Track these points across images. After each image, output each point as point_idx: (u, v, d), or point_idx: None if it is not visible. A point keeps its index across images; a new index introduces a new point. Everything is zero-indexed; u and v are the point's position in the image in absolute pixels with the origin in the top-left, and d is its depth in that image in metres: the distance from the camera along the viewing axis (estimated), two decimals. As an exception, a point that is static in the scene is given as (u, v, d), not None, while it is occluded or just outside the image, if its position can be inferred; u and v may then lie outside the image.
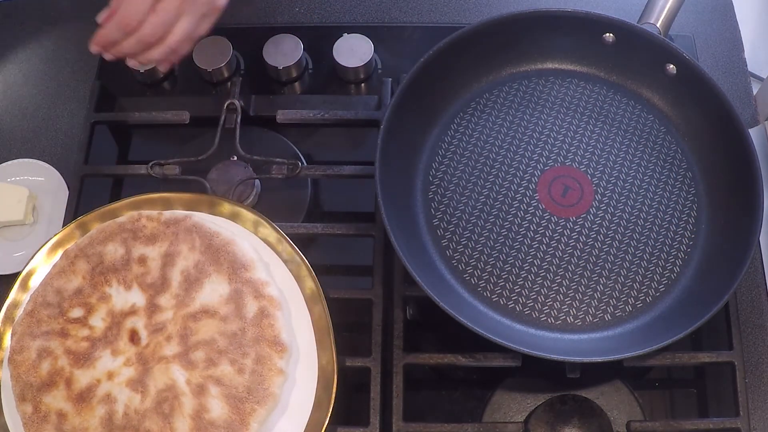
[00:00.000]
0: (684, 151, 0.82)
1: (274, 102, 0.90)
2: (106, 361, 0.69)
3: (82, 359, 0.69)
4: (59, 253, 0.76)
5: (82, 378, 0.69)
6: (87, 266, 0.73)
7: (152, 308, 0.71)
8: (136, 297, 0.72)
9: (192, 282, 0.71)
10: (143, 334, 0.70)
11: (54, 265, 0.74)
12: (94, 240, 0.74)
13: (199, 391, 0.67)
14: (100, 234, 0.74)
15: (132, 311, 0.71)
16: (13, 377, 0.69)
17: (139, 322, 0.70)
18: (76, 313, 0.71)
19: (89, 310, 0.71)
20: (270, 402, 0.67)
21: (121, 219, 0.75)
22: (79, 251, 0.73)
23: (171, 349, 0.69)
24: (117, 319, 0.71)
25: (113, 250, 0.73)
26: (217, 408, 0.67)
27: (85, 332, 0.70)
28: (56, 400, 0.68)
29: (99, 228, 0.75)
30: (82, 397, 0.68)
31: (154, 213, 0.75)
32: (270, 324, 0.70)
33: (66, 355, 0.69)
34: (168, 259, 0.72)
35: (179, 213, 0.75)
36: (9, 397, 0.70)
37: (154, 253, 0.73)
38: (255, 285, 0.71)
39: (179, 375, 0.68)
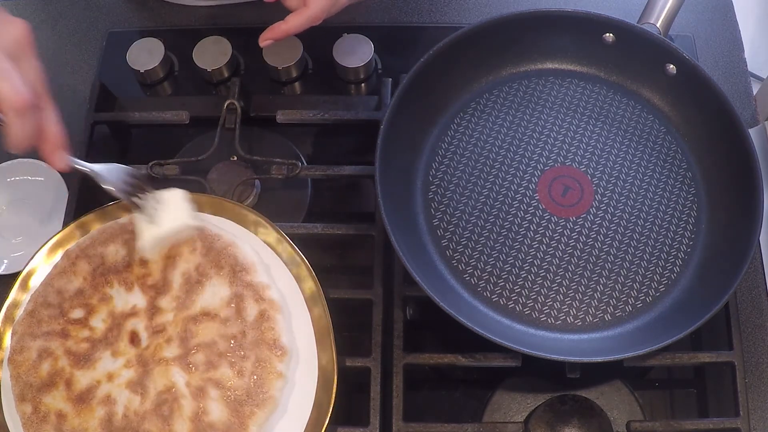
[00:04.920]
0: (684, 151, 0.82)
1: (274, 102, 0.90)
2: (106, 363, 0.69)
3: (83, 360, 0.69)
4: (59, 253, 0.75)
5: (82, 379, 0.69)
6: (88, 267, 0.73)
7: (153, 310, 0.71)
8: (137, 298, 0.71)
9: (193, 284, 0.71)
10: (143, 335, 0.70)
11: (55, 266, 0.73)
12: (95, 241, 0.74)
13: (199, 393, 0.67)
14: (102, 235, 0.74)
15: (133, 313, 0.71)
16: (13, 377, 0.69)
17: (139, 324, 0.70)
18: (77, 313, 0.71)
19: (90, 311, 0.71)
20: (269, 405, 0.67)
21: (122, 220, 0.75)
22: (80, 252, 0.73)
23: (171, 351, 0.69)
24: (117, 321, 0.71)
25: (115, 251, 0.73)
26: (216, 411, 0.67)
27: (85, 333, 0.70)
28: (56, 400, 0.68)
29: (100, 229, 0.75)
30: (82, 398, 0.68)
31: None
32: (270, 327, 0.69)
33: (66, 356, 0.69)
34: (169, 261, 0.72)
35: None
36: (9, 397, 0.70)
37: (155, 254, 0.73)
38: (256, 288, 0.71)
39: (179, 377, 0.68)
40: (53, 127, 0.67)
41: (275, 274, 0.74)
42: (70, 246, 0.75)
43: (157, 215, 0.71)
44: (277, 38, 0.81)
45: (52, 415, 0.67)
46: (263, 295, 0.71)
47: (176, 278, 0.72)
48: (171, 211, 0.73)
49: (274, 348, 0.69)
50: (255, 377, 0.68)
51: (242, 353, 0.69)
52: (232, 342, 0.69)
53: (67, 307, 0.71)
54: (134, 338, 0.70)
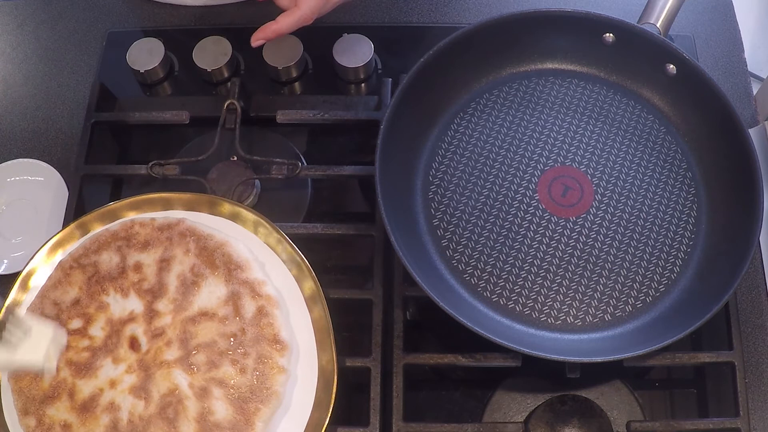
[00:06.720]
0: (684, 151, 0.82)
1: (274, 102, 0.90)
2: (107, 370, 0.69)
3: (84, 369, 0.69)
4: (59, 253, 0.76)
5: (85, 388, 0.68)
6: (83, 276, 0.72)
7: (151, 314, 0.71)
8: (134, 304, 0.71)
9: (189, 285, 0.71)
10: (143, 340, 0.70)
11: (49, 277, 0.73)
12: (88, 250, 0.74)
13: (203, 393, 0.67)
14: (94, 243, 0.74)
15: (131, 318, 0.71)
16: (15, 392, 0.69)
17: (138, 329, 0.70)
18: (75, 323, 0.71)
19: (88, 320, 0.71)
20: (274, 400, 0.67)
21: (113, 227, 0.75)
22: (73, 262, 0.73)
23: (171, 353, 0.69)
24: (116, 327, 0.71)
25: (108, 259, 0.73)
26: (221, 410, 0.67)
27: (85, 342, 0.70)
28: (60, 411, 0.68)
29: (92, 237, 0.75)
30: (86, 407, 0.68)
31: (146, 219, 0.75)
32: (269, 323, 0.70)
33: (67, 367, 0.69)
34: (163, 264, 0.72)
35: (172, 218, 0.75)
36: (11, 411, 0.70)
37: (149, 259, 0.73)
38: (252, 285, 0.71)
39: (181, 379, 0.68)
40: None
41: (271, 272, 0.74)
42: (63, 257, 0.74)
43: (17, 341, 0.67)
44: (269, 38, 0.82)
45: (57, 427, 0.67)
46: (260, 291, 0.71)
47: (171, 281, 0.72)
48: (32, 345, 0.68)
49: (274, 343, 0.69)
50: (257, 373, 0.68)
51: (243, 350, 0.69)
52: (232, 340, 0.69)
53: (64, 317, 0.71)
54: (134, 343, 0.70)
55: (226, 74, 0.92)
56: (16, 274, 0.75)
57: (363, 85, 0.92)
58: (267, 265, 0.74)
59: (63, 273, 0.73)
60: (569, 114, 0.84)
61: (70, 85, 0.95)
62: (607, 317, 0.75)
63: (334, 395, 0.69)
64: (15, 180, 0.89)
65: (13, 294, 0.74)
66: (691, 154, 0.82)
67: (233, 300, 0.70)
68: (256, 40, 0.82)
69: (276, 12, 0.83)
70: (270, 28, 0.81)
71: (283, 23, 0.81)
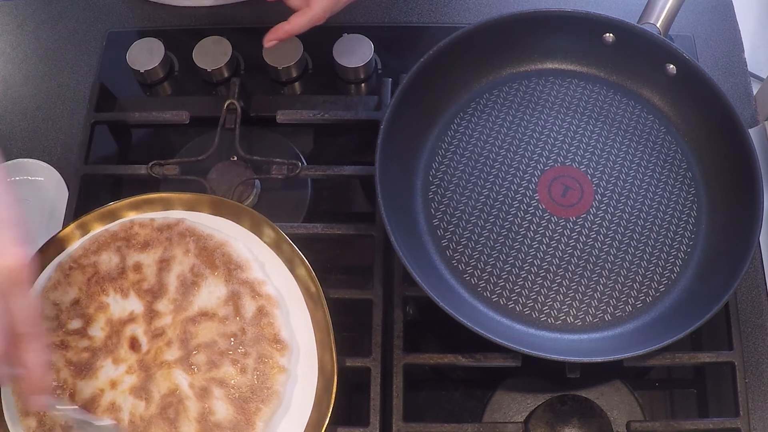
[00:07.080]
0: (684, 151, 0.82)
1: (274, 102, 0.90)
2: (108, 370, 0.69)
3: (84, 370, 0.69)
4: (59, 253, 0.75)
5: (86, 389, 0.68)
6: (82, 277, 0.72)
7: (151, 314, 0.71)
8: (134, 304, 0.71)
9: (189, 286, 0.71)
10: (143, 340, 0.70)
11: (48, 278, 0.73)
12: (87, 250, 0.74)
13: (203, 393, 0.67)
14: (93, 244, 0.74)
15: (131, 319, 0.71)
16: (15, 392, 0.69)
17: (138, 329, 0.70)
18: (75, 324, 0.71)
19: (88, 320, 0.71)
20: (274, 400, 0.67)
21: (112, 228, 0.75)
22: (73, 262, 0.73)
23: (172, 353, 0.69)
24: (116, 328, 0.71)
25: (108, 259, 0.73)
26: (222, 409, 0.67)
27: (85, 343, 0.70)
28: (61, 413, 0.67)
29: (91, 238, 0.75)
30: (87, 408, 0.68)
31: (146, 219, 0.75)
32: (269, 323, 0.70)
33: (68, 367, 0.69)
34: (163, 265, 0.72)
35: (171, 218, 0.75)
36: (11, 410, 0.69)
37: (148, 259, 0.73)
38: (252, 285, 0.71)
39: (182, 379, 0.68)
40: (35, 366, 0.59)
41: (274, 273, 0.74)
42: (62, 258, 0.74)
43: None
44: (281, 38, 0.82)
45: (58, 428, 0.67)
46: (260, 291, 0.71)
47: (171, 281, 0.72)
48: None
49: (274, 343, 0.69)
50: (258, 373, 0.68)
51: (243, 350, 0.69)
52: (232, 340, 0.69)
53: (64, 318, 0.71)
54: (134, 344, 0.70)
55: (226, 74, 0.92)
56: (16, 274, 0.75)
57: (363, 85, 0.92)
58: (267, 265, 0.74)
59: (62, 273, 0.73)
60: (569, 114, 0.84)
61: (70, 85, 0.95)
62: (607, 317, 0.75)
63: (334, 395, 0.69)
64: (15, 180, 0.89)
65: (13, 294, 0.74)
66: (691, 154, 0.82)
67: (233, 300, 0.70)
68: (269, 41, 0.82)
69: (281, 12, 0.83)
70: (282, 28, 0.81)
71: (296, 23, 0.81)
